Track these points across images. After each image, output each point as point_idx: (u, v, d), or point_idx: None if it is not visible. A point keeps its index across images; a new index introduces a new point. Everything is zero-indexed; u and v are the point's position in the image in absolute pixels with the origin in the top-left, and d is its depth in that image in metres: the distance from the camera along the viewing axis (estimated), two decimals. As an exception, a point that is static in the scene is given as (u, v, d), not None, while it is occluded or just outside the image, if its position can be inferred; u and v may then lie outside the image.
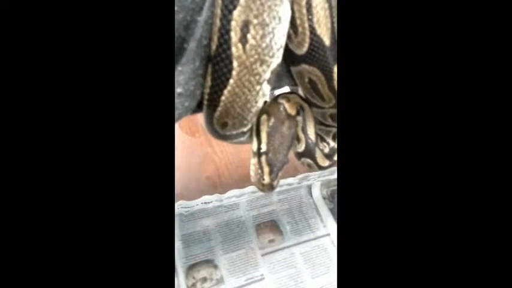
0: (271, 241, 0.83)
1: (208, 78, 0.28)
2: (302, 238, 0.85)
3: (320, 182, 0.94)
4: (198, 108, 0.32)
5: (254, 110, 0.31)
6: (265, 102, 0.32)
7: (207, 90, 0.29)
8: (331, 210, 0.91)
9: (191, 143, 0.90)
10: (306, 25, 0.27)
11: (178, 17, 0.24)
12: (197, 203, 0.83)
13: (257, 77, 0.27)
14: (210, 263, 0.78)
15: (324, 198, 0.94)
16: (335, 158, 0.40)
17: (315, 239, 0.85)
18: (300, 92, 0.36)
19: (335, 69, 0.29)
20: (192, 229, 0.82)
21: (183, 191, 0.85)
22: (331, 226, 0.88)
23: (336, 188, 0.96)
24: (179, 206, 0.82)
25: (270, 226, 0.86)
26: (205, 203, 0.84)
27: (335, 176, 0.95)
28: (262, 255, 0.81)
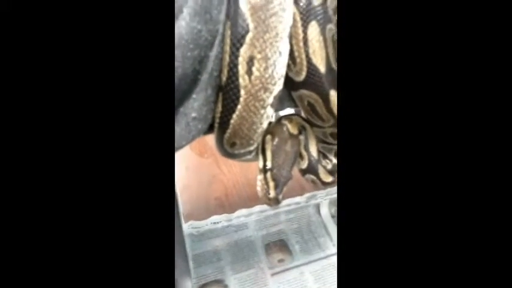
0: (280, 261, 0.83)
1: (219, 105, 0.32)
2: (312, 257, 0.85)
3: (328, 200, 0.95)
4: (209, 130, 0.35)
5: (259, 130, 0.34)
6: (270, 123, 0.35)
7: (217, 115, 0.32)
8: (340, 228, 0.91)
9: (200, 163, 0.93)
10: (303, 56, 0.30)
11: (194, 53, 0.28)
12: (207, 223, 0.85)
13: (261, 103, 0.31)
14: (220, 283, 0.78)
15: (333, 216, 0.94)
16: None
17: (324, 257, 0.85)
18: (302, 113, 0.39)
19: (331, 92, 0.32)
20: (202, 249, 0.83)
21: (193, 211, 0.87)
22: (340, 244, 0.88)
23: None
24: (189, 226, 0.84)
25: (279, 245, 0.86)
26: (215, 223, 0.85)
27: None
28: (272, 274, 0.81)
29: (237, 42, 0.28)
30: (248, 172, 0.96)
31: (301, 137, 0.39)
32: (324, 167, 0.41)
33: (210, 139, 0.38)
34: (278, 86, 0.31)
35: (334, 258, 0.85)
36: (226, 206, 0.92)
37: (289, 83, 0.32)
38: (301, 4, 0.29)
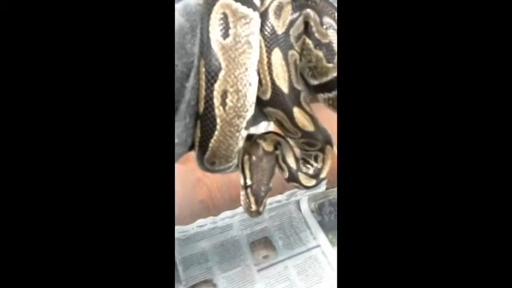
0: (265, 257, 0.87)
1: (198, 131, 0.35)
2: (294, 251, 0.89)
3: (307, 196, 0.99)
4: (189, 150, 0.38)
5: (236, 149, 0.38)
6: (251, 136, 0.39)
7: (197, 139, 0.36)
8: (319, 222, 0.96)
9: (183, 170, 0.95)
10: (268, 78, 0.34)
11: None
12: (193, 227, 0.87)
13: (236, 127, 0.35)
14: (209, 282, 0.82)
15: (312, 211, 0.98)
16: (321, 176, 0.46)
17: (306, 251, 0.89)
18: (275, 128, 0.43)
19: (295, 109, 0.37)
20: (190, 252, 0.85)
21: (179, 216, 0.89)
22: (320, 238, 0.93)
23: (322, 201, 1.01)
24: (176, 231, 0.86)
25: (264, 243, 0.90)
26: (201, 226, 0.88)
27: (321, 189, 1.01)
28: (258, 270, 0.85)
29: (211, 78, 0.32)
30: (230, 174, 0.99)
31: (278, 152, 0.43)
32: (306, 173, 0.45)
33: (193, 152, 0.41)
34: (250, 112, 0.35)
35: (315, 251, 0.90)
36: (211, 208, 0.94)
37: (258, 101, 0.36)
38: (266, 33, 0.33)
